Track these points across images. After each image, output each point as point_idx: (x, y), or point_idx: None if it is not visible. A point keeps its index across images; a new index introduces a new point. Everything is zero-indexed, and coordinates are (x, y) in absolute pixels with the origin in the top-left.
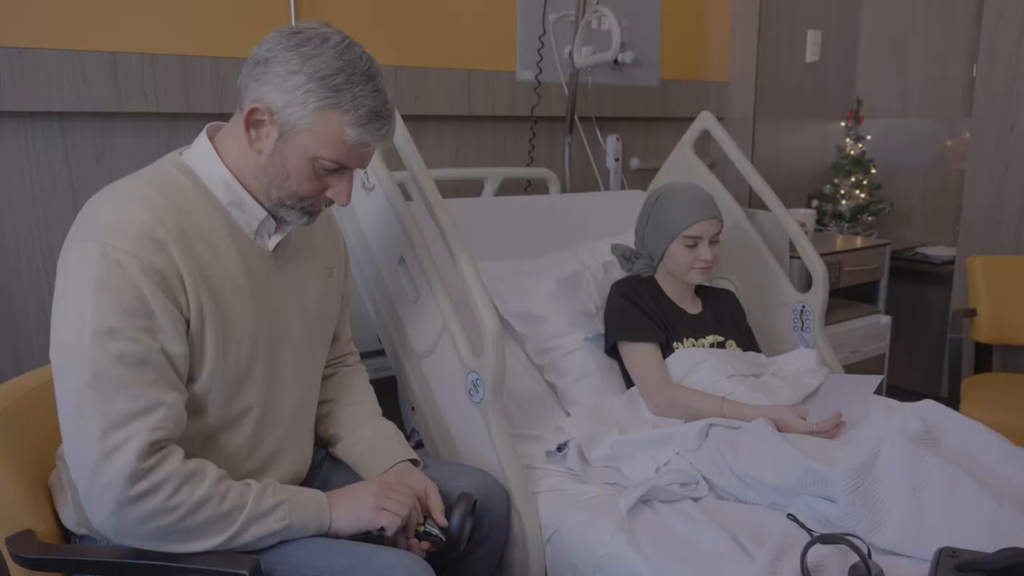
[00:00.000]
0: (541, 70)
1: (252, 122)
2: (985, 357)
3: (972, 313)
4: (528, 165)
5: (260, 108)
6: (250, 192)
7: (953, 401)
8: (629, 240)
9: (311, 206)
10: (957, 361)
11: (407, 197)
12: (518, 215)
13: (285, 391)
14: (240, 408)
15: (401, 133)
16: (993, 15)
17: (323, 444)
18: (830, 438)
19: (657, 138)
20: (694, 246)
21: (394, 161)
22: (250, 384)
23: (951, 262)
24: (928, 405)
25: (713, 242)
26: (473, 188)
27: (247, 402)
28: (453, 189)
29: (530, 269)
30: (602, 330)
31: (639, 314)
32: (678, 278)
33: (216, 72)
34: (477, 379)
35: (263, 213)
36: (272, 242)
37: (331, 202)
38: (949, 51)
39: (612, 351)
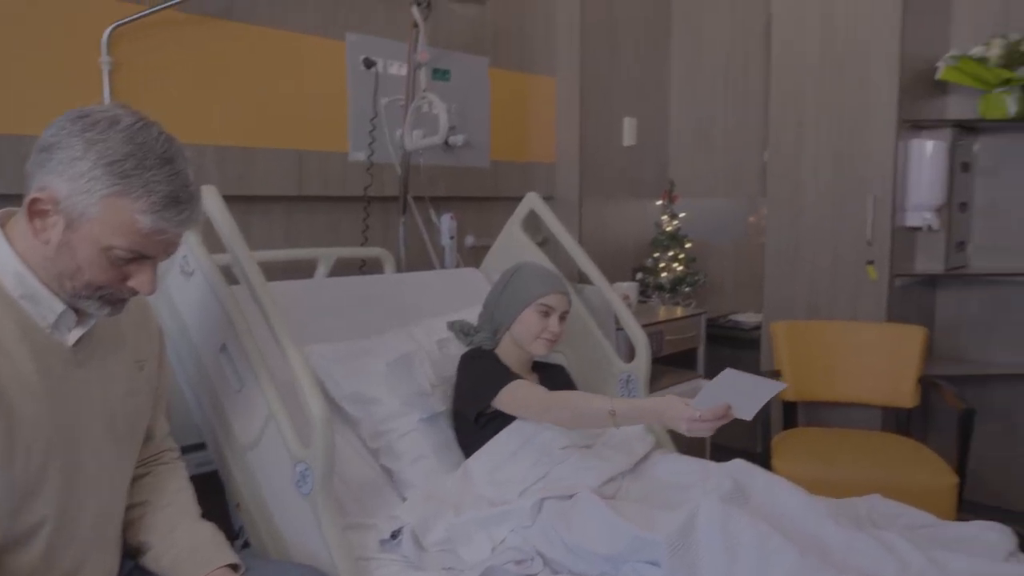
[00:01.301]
0: (374, 151)
1: (35, 212)
2: (792, 414)
3: (778, 374)
4: (362, 245)
5: (42, 198)
6: (44, 283)
7: (766, 456)
8: (465, 317)
9: (112, 296)
10: (767, 418)
11: (233, 280)
12: (352, 295)
13: (85, 500)
14: (30, 523)
15: (221, 215)
16: (776, 108)
17: (132, 554)
18: (710, 433)
19: (490, 217)
20: (546, 316)
21: (217, 243)
22: (42, 494)
23: (759, 327)
24: (737, 464)
25: (562, 318)
26: (306, 269)
27: (38, 515)
28: (284, 271)
29: (363, 350)
30: (438, 409)
31: (500, 366)
32: (523, 348)
33: (17, 151)
34: (305, 469)
35: (60, 306)
36: (72, 336)
37: (135, 291)
38: (746, 137)
39: (461, 419)
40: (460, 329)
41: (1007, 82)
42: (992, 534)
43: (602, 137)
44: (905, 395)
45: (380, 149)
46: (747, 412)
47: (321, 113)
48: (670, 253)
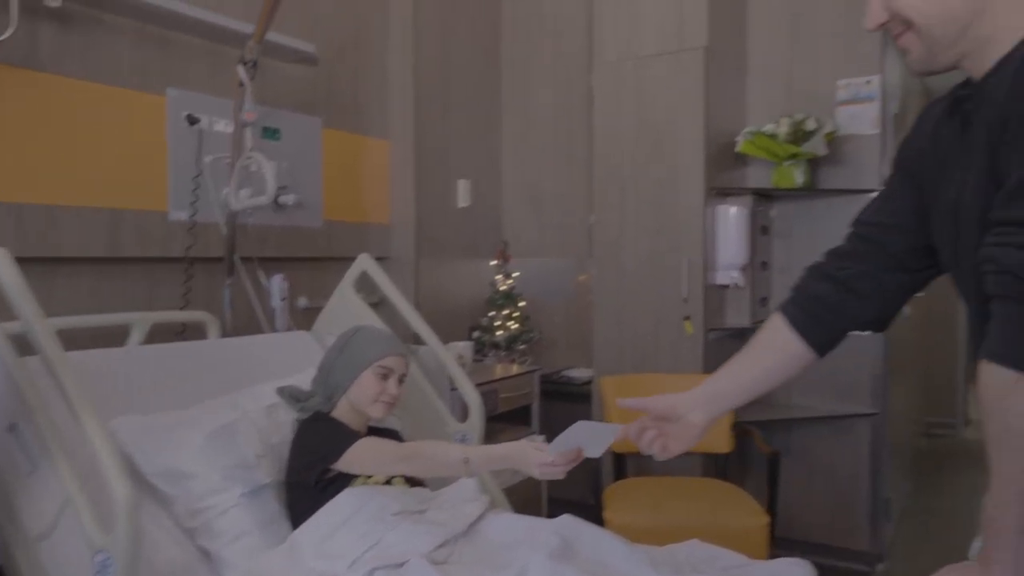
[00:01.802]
0: (197, 210)
1: None
2: (622, 465)
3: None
4: (183, 308)
5: None
6: None
7: (598, 508)
8: (297, 381)
9: None
10: (598, 471)
11: (28, 351)
12: (170, 364)
13: None
14: None
15: (10, 278)
16: (599, 175)
17: None
18: (562, 475)
19: (324, 278)
20: (385, 378)
21: (7, 311)
22: None
23: (590, 382)
24: (565, 520)
25: (401, 380)
26: (119, 337)
27: None
28: (94, 339)
29: (179, 421)
30: (263, 481)
31: (342, 427)
32: (361, 411)
33: None
34: (106, 559)
35: None
36: None
37: None
38: (574, 201)
39: (297, 487)
40: (291, 394)
41: (794, 156)
42: (796, 570)
43: (437, 198)
44: (721, 441)
45: (204, 208)
46: (595, 452)
47: (138, 170)
48: (505, 312)
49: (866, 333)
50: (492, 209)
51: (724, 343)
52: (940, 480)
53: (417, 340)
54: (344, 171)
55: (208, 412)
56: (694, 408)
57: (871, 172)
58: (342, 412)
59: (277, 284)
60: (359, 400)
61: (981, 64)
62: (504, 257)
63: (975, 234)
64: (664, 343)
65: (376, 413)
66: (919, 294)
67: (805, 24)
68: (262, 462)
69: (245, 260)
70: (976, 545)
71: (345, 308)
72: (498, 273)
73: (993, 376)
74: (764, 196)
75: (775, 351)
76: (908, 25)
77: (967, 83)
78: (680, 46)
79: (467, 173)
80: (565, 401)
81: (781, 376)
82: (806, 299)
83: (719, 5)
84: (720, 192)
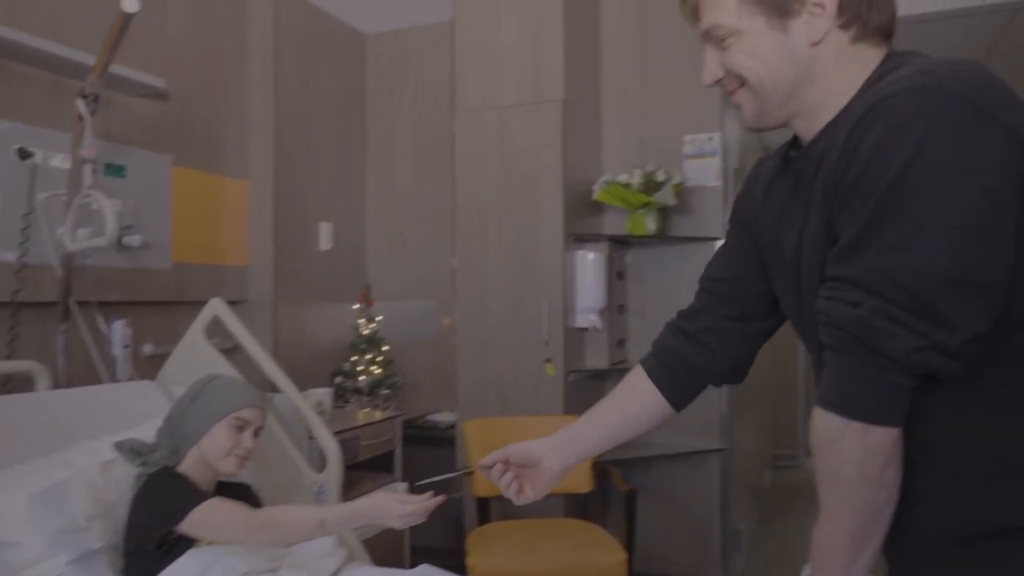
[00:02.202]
0: (27, 251)
1: None
2: (485, 510)
3: (471, 471)
4: (8, 358)
5: None
6: None
7: (460, 554)
8: (138, 434)
9: None
10: (460, 519)
11: None
12: None
13: None
14: None
15: None
16: (462, 219)
17: None
18: (425, 518)
19: (174, 323)
20: (240, 430)
21: None
22: None
23: (454, 426)
24: (423, 571)
25: (256, 433)
26: None
27: None
28: None
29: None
30: (94, 546)
31: (188, 484)
32: (211, 465)
33: None
34: None
35: None
36: None
37: None
38: (438, 244)
39: (136, 552)
40: (131, 448)
41: (646, 205)
42: None
43: (298, 240)
44: (582, 481)
45: (37, 249)
46: None
47: None
48: (368, 356)
49: None
50: (355, 252)
51: (584, 384)
52: (786, 509)
53: (274, 387)
54: (197, 211)
55: (34, 471)
56: (549, 454)
57: (715, 221)
58: (190, 467)
59: (118, 330)
60: (211, 453)
61: (809, 126)
62: (367, 301)
63: (815, 286)
64: (526, 385)
65: (228, 468)
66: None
67: (653, 82)
68: (94, 524)
69: (83, 304)
70: (807, 571)
71: (194, 355)
72: (361, 317)
73: (824, 422)
74: (620, 242)
75: (635, 401)
76: (742, 82)
77: (795, 142)
78: (539, 98)
79: (329, 215)
80: (429, 446)
81: (640, 426)
82: (663, 352)
83: (575, 61)
84: (578, 238)
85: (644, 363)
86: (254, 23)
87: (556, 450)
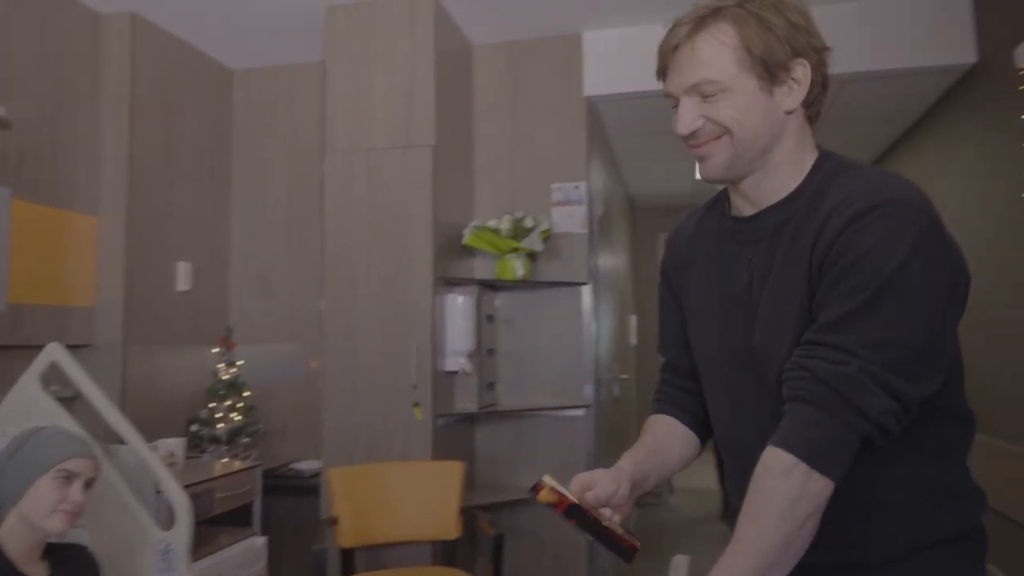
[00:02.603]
0: None
1: None
2: (349, 560)
3: (335, 521)
4: None
5: None
6: None
7: None
8: None
9: None
10: (322, 571)
11: None
12: None
13: None
14: None
15: None
16: (331, 261)
17: None
18: None
19: (9, 369)
20: (67, 483)
21: None
22: None
23: (319, 474)
24: None
25: (88, 485)
26: None
27: None
28: None
29: None
30: None
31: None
32: (36, 526)
33: None
34: None
35: None
36: None
37: None
38: (306, 285)
39: None
40: None
41: (515, 250)
42: None
43: (153, 280)
44: (449, 527)
45: None
46: None
47: None
48: (227, 402)
49: (579, 413)
50: (216, 293)
51: (453, 429)
52: (652, 548)
53: (119, 439)
54: (39, 247)
55: None
56: (628, 484)
57: (581, 266)
58: (10, 531)
59: None
60: (33, 512)
61: (761, 183)
62: (228, 343)
63: (771, 327)
64: (395, 430)
65: (55, 526)
66: None
67: (523, 132)
68: None
69: None
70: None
71: (28, 404)
72: (221, 361)
73: (775, 459)
74: (489, 286)
75: (680, 443)
76: (721, 134)
77: (725, 195)
78: (409, 142)
79: (189, 254)
80: (292, 496)
81: (682, 465)
82: (673, 403)
83: (447, 109)
84: (448, 282)
85: (666, 412)
86: (109, 52)
87: (623, 475)
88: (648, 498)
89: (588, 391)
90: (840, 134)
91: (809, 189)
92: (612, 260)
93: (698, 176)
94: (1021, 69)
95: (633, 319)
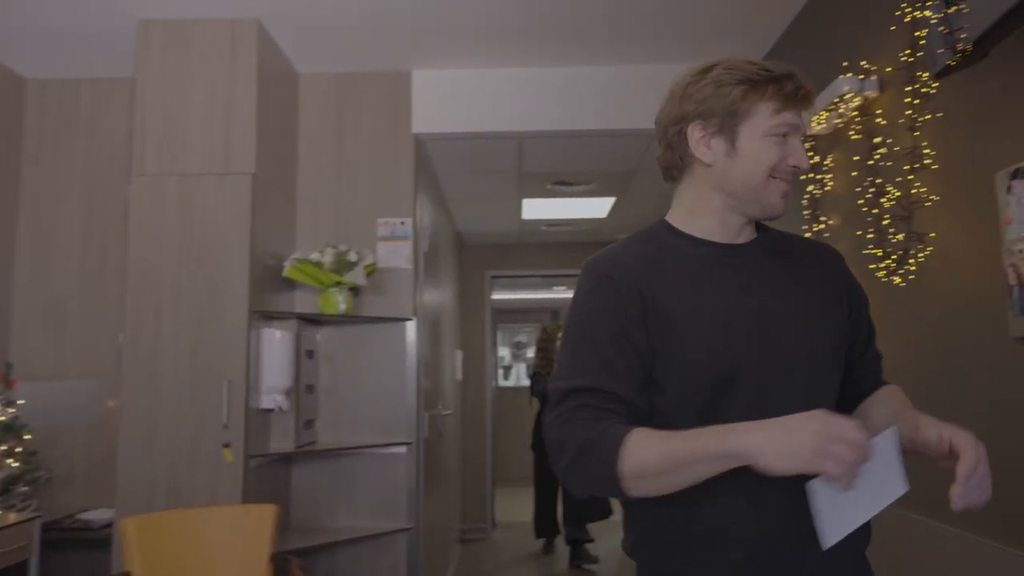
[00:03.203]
0: None
1: None
2: None
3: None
4: None
5: None
6: None
7: None
8: None
9: None
10: None
11: None
12: None
13: None
14: None
15: None
16: (133, 293)
17: None
18: None
19: None
20: None
21: None
22: None
23: (111, 524)
24: None
25: None
26: None
27: None
28: None
29: None
30: None
31: None
32: None
33: None
34: None
35: None
36: None
37: None
38: (104, 319)
39: None
40: None
41: (338, 284)
42: None
43: None
44: (259, 573)
45: None
46: (832, 532)
47: None
48: (3, 447)
49: (402, 450)
50: None
51: (267, 470)
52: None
53: None
54: None
55: None
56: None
57: (406, 302)
58: None
59: None
60: None
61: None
62: (6, 382)
63: (817, 322)
64: (201, 474)
65: None
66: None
67: (349, 165)
68: None
69: None
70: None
71: None
72: None
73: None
74: (311, 320)
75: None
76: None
77: (662, 229)
78: (227, 169)
79: None
80: (79, 550)
81: None
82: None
83: (269, 136)
84: (265, 315)
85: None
86: None
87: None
88: (470, 533)
89: (411, 428)
90: (657, 181)
91: (763, 226)
92: (439, 296)
93: (529, 215)
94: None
95: (459, 355)
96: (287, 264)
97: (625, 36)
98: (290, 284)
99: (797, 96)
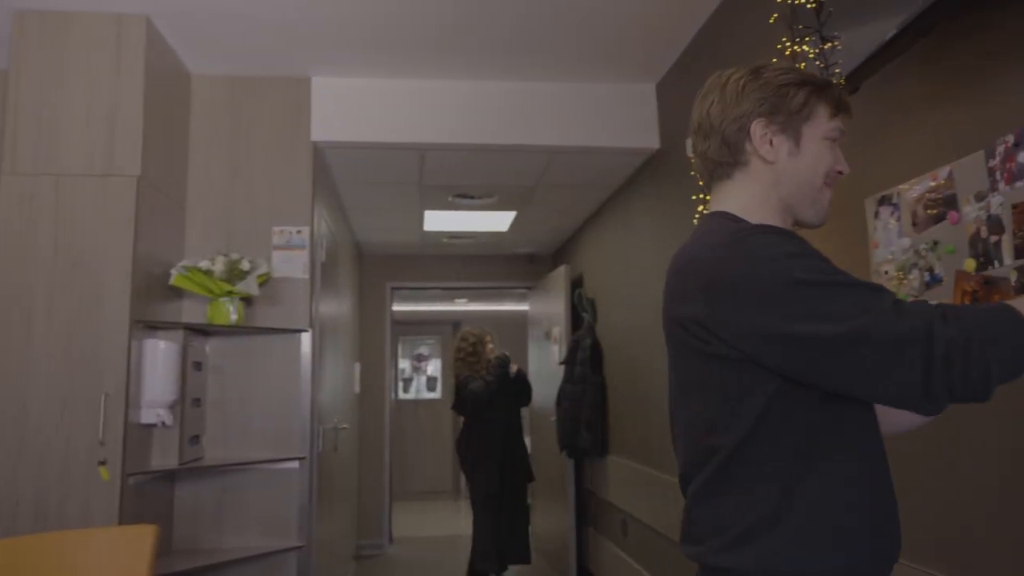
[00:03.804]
0: None
1: None
2: None
3: None
4: None
5: None
6: None
7: None
8: None
9: None
10: None
11: None
12: None
13: None
14: None
15: None
16: (1, 286)
17: None
18: None
19: None
20: None
21: None
22: None
23: None
24: None
25: None
26: None
27: None
28: None
29: None
30: None
31: None
32: None
33: None
34: None
35: None
36: None
37: None
38: None
39: None
40: None
41: (229, 293)
42: None
43: None
44: None
45: None
46: None
47: None
48: None
49: (294, 466)
50: None
51: (148, 488)
52: None
53: None
54: None
55: None
56: None
57: (302, 313)
58: None
59: None
60: None
61: None
62: None
63: None
64: (75, 492)
65: None
66: None
67: (244, 171)
68: None
69: None
70: None
71: None
72: None
73: None
74: (199, 331)
75: None
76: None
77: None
78: (109, 170)
79: None
80: None
81: None
82: None
83: (156, 136)
84: (148, 325)
85: None
86: None
87: None
88: (366, 549)
89: (305, 442)
90: (561, 194)
91: None
92: (336, 307)
93: (431, 227)
94: (690, 157)
95: (357, 367)
96: (174, 272)
97: (527, 53)
98: (178, 293)
99: (844, 104)
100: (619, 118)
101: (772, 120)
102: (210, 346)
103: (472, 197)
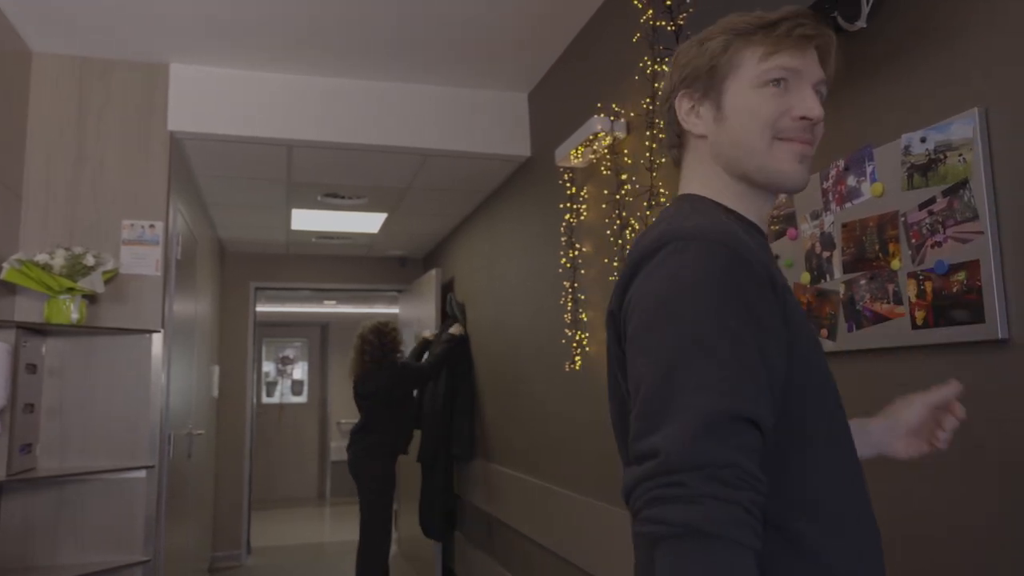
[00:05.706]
0: None
1: None
2: None
3: None
4: None
5: None
6: None
7: None
8: None
9: None
10: None
11: None
12: None
13: None
14: None
15: None
16: None
17: None
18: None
19: None
20: None
21: None
22: None
23: None
24: None
25: None
26: None
27: None
28: None
29: None
30: None
31: None
32: None
33: None
34: None
35: None
36: None
37: None
38: None
39: None
40: None
41: (70, 290)
42: None
43: None
44: None
45: None
46: None
47: None
48: None
49: (140, 475)
50: None
51: None
52: None
53: None
54: None
55: None
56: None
57: (153, 312)
58: None
59: None
60: None
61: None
62: None
63: None
64: None
65: None
66: None
67: (91, 159)
68: None
69: None
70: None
71: None
72: None
73: None
74: (35, 331)
75: None
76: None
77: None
78: None
79: None
80: None
81: None
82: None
83: None
84: None
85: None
86: None
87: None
88: (222, 561)
89: (153, 450)
90: (433, 198)
91: None
92: (193, 307)
93: (299, 226)
94: (559, 166)
95: (216, 370)
96: (6, 265)
97: (403, 55)
98: (11, 289)
99: (792, 35)
100: (493, 125)
101: (693, 89)
102: (47, 347)
103: (342, 197)
